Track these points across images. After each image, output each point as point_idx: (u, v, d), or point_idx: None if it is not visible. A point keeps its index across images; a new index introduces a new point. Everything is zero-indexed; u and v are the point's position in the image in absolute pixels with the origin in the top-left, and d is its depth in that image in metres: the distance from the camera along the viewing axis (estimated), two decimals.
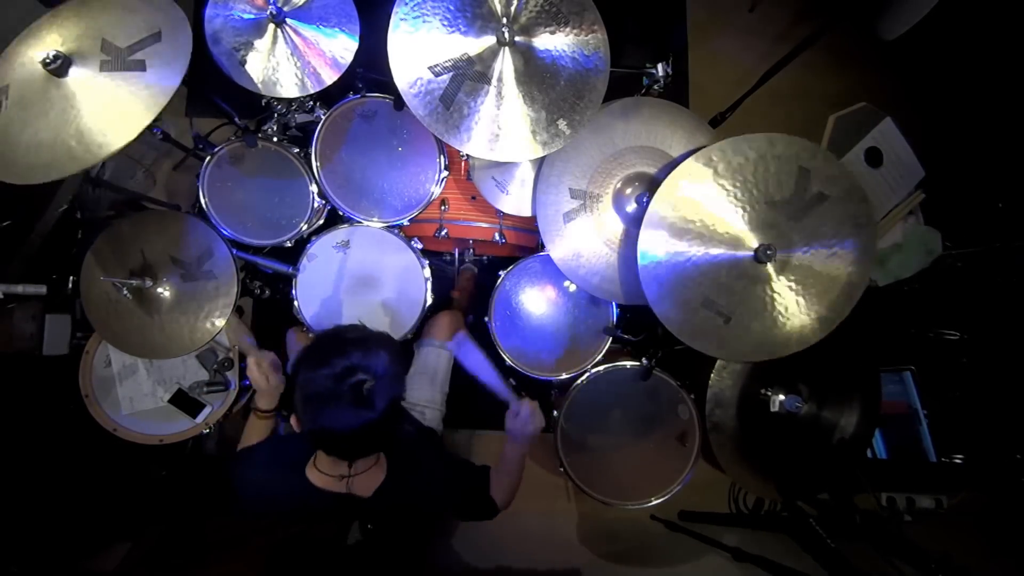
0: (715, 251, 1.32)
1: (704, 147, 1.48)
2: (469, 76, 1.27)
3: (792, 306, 1.36)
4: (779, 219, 1.32)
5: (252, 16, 1.44)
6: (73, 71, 1.18)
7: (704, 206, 1.32)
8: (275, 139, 1.65)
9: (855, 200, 1.33)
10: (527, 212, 1.57)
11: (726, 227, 1.32)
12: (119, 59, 1.18)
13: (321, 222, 1.76)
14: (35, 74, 1.17)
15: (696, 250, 1.31)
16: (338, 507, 1.20)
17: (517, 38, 1.28)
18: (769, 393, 1.54)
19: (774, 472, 1.56)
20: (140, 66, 1.19)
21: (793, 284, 1.35)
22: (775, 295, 1.35)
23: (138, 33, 1.19)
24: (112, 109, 1.17)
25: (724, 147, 1.35)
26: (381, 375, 1.03)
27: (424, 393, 1.69)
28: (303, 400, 1.04)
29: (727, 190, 1.32)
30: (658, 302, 1.31)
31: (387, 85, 1.33)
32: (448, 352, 1.76)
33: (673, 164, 1.48)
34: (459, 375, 1.79)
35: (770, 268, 1.32)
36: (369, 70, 1.56)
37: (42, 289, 1.64)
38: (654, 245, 1.31)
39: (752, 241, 1.32)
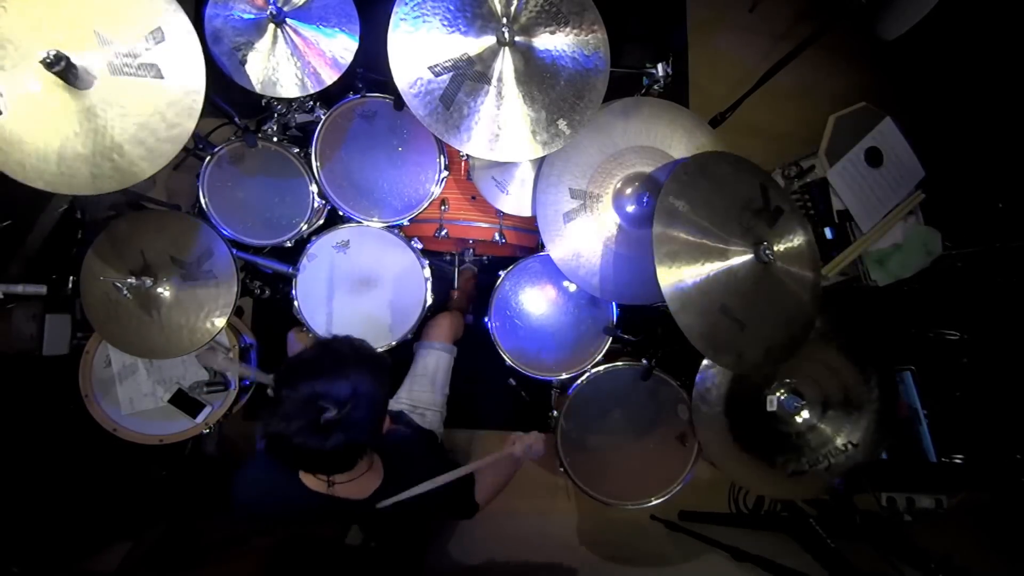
0: (722, 260, 1.33)
1: (703, 148, 1.49)
2: (469, 76, 1.27)
3: (792, 292, 1.39)
4: (760, 225, 1.37)
5: (252, 16, 1.44)
6: (85, 77, 1.15)
7: (704, 215, 1.33)
8: (275, 139, 1.65)
9: (799, 215, 1.46)
10: (527, 212, 1.57)
11: (725, 235, 1.33)
12: (129, 61, 1.17)
13: (321, 222, 1.76)
14: (44, 80, 1.15)
15: (708, 261, 1.32)
16: (332, 509, 1.20)
17: (517, 38, 1.28)
18: (773, 387, 1.53)
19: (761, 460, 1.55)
20: (156, 72, 1.18)
21: (787, 271, 1.39)
22: (778, 288, 1.36)
23: (136, 29, 1.18)
24: (144, 120, 1.17)
25: (706, 158, 1.39)
26: (347, 412, 0.98)
27: (424, 396, 1.70)
28: (266, 411, 1.01)
29: (707, 211, 1.35)
30: (681, 312, 1.29)
31: (387, 85, 1.33)
32: (448, 355, 1.77)
33: (673, 164, 1.48)
34: (459, 377, 1.79)
35: (769, 266, 1.33)
36: (369, 70, 1.57)
37: (42, 289, 1.63)
38: (672, 262, 1.31)
39: (748, 246, 1.33)
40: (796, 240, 1.43)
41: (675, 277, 1.29)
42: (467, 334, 1.91)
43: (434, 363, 1.75)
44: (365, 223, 1.65)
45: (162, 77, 1.18)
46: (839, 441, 1.56)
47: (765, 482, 1.58)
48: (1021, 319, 1.81)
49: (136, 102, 1.17)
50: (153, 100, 1.17)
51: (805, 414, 1.55)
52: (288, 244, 1.70)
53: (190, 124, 1.18)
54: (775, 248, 1.37)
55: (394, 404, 1.67)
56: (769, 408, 1.52)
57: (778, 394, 1.52)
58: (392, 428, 1.54)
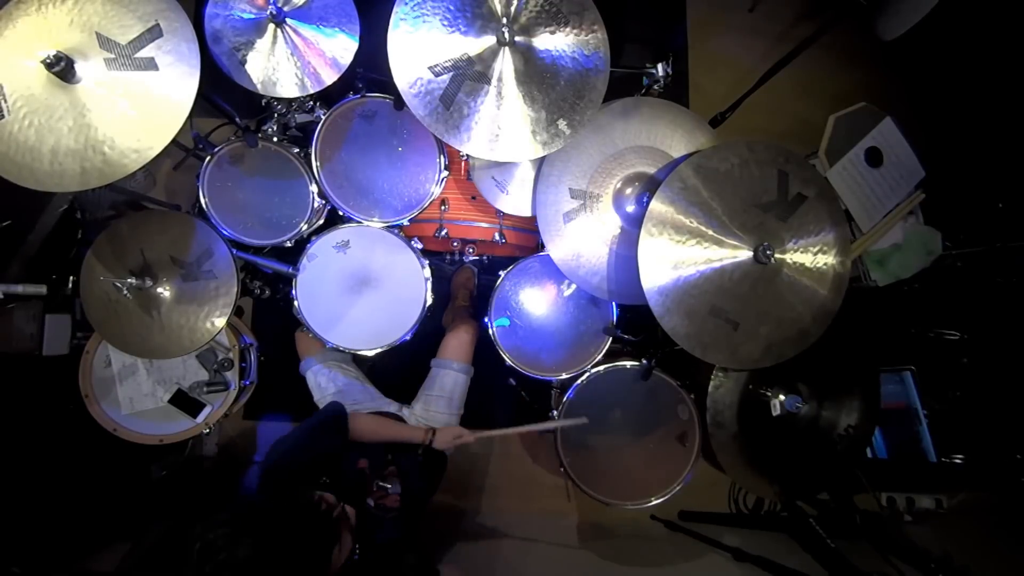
0: (715, 257, 1.33)
1: (703, 147, 1.49)
2: (469, 76, 1.27)
3: (794, 303, 1.38)
4: (768, 221, 1.36)
5: (252, 16, 1.44)
6: (81, 73, 1.16)
7: (697, 217, 1.34)
8: (275, 139, 1.65)
9: (828, 199, 1.42)
10: (527, 212, 1.57)
11: (722, 233, 1.33)
12: (125, 57, 1.18)
13: (321, 222, 1.76)
14: (41, 78, 1.16)
15: (697, 258, 1.32)
16: None
17: (517, 38, 1.28)
18: (769, 394, 1.54)
19: (776, 473, 1.56)
20: (151, 64, 1.18)
21: (792, 281, 1.38)
22: (777, 294, 1.36)
23: (134, 26, 1.18)
24: (136, 113, 1.17)
25: (709, 154, 1.38)
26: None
27: (440, 417, 1.71)
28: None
29: (715, 198, 1.34)
30: (665, 316, 1.31)
31: (387, 85, 1.33)
32: (466, 376, 1.78)
33: (673, 164, 1.48)
34: (474, 391, 1.80)
35: (770, 268, 1.34)
36: (369, 70, 1.56)
37: (42, 289, 1.64)
38: (655, 259, 1.32)
39: (748, 243, 1.33)
40: (819, 229, 1.39)
41: (659, 262, 1.30)
42: None
43: (451, 383, 1.75)
44: (365, 223, 1.65)
45: (156, 68, 1.18)
46: (841, 427, 1.57)
47: (773, 486, 1.58)
48: (1021, 319, 1.81)
49: (130, 93, 1.18)
50: (147, 91, 1.18)
51: (805, 410, 1.56)
52: (288, 244, 1.70)
53: (182, 113, 1.18)
54: (786, 243, 1.36)
55: (409, 420, 1.68)
56: (774, 413, 1.52)
57: (779, 398, 1.53)
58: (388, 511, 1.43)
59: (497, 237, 1.71)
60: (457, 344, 1.79)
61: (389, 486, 1.42)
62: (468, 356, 1.80)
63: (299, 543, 1.02)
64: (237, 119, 1.67)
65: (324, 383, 1.72)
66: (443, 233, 1.69)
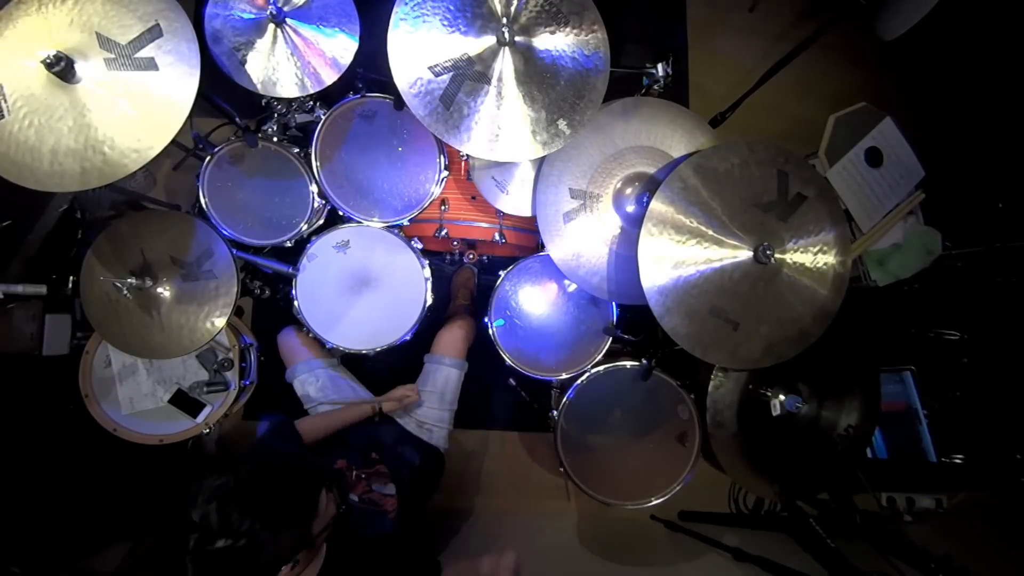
0: (715, 257, 1.33)
1: (703, 147, 1.49)
2: (469, 76, 1.27)
3: (794, 303, 1.38)
4: (768, 221, 1.36)
5: (252, 16, 1.44)
6: (81, 73, 1.16)
7: (697, 217, 1.34)
8: (275, 139, 1.65)
9: (828, 199, 1.42)
10: (527, 212, 1.57)
11: (722, 233, 1.34)
12: (125, 57, 1.18)
13: (321, 222, 1.76)
14: (41, 78, 1.16)
15: (697, 258, 1.33)
16: None
17: (517, 38, 1.28)
18: (769, 394, 1.54)
19: (776, 473, 1.56)
20: (151, 64, 1.18)
21: (792, 281, 1.38)
22: (777, 294, 1.36)
23: (134, 26, 1.18)
24: (136, 113, 1.17)
25: (709, 154, 1.38)
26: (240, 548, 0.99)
27: (432, 413, 1.71)
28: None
29: (715, 198, 1.35)
30: (665, 316, 1.31)
31: (387, 85, 1.33)
32: (459, 371, 1.77)
33: (673, 164, 1.48)
34: (474, 390, 1.80)
35: (770, 268, 1.34)
36: (369, 70, 1.57)
37: (42, 289, 1.64)
38: (655, 259, 1.32)
39: (748, 243, 1.33)
40: (819, 229, 1.39)
41: (659, 262, 1.30)
42: None
43: (443, 379, 1.74)
44: (365, 223, 1.65)
45: (156, 68, 1.18)
46: (841, 427, 1.57)
47: (772, 486, 1.58)
48: (1021, 319, 1.81)
49: (130, 93, 1.17)
50: (147, 91, 1.18)
51: (805, 410, 1.56)
52: (288, 244, 1.70)
53: (182, 113, 1.18)
54: (786, 243, 1.37)
55: (405, 423, 1.68)
56: (774, 413, 1.52)
57: (779, 398, 1.53)
58: (378, 510, 1.40)
59: (497, 237, 1.71)
60: (450, 339, 1.79)
61: (364, 475, 1.42)
62: (461, 351, 1.79)
63: (286, 475, 1.08)
64: (237, 119, 1.67)
65: (313, 392, 1.71)
66: (443, 233, 1.69)
